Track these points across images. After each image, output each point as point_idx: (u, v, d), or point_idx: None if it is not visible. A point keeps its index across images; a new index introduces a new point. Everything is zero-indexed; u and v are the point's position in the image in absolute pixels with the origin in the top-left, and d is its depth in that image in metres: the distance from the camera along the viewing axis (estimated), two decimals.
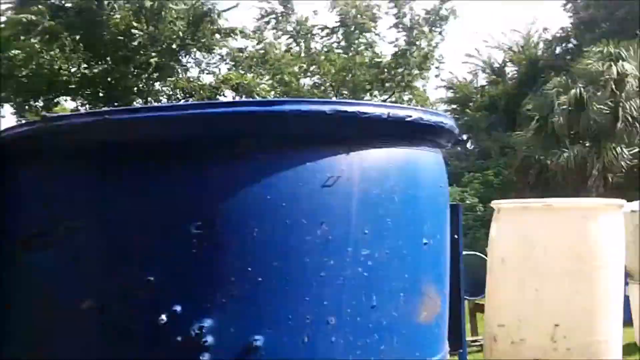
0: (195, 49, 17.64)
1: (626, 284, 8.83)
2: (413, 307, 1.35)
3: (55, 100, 16.76)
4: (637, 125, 16.92)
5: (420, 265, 1.40)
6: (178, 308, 1.16)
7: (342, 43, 21.89)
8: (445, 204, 1.58)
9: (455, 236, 1.72)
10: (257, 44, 20.16)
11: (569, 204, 3.52)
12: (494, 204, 3.73)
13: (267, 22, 21.11)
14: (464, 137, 24.73)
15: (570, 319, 3.37)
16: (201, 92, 17.11)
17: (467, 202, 18.09)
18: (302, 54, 21.39)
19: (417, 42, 21.03)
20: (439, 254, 1.49)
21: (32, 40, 14.96)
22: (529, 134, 18.05)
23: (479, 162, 22.02)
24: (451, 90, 26.22)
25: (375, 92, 22.50)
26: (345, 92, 22.77)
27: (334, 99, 23.13)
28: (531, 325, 3.43)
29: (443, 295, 1.49)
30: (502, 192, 16.97)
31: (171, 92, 17.99)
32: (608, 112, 16.90)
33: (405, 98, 23.77)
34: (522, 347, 3.44)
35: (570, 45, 24.21)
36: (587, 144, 17.87)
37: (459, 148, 24.23)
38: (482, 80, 26.51)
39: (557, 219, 3.42)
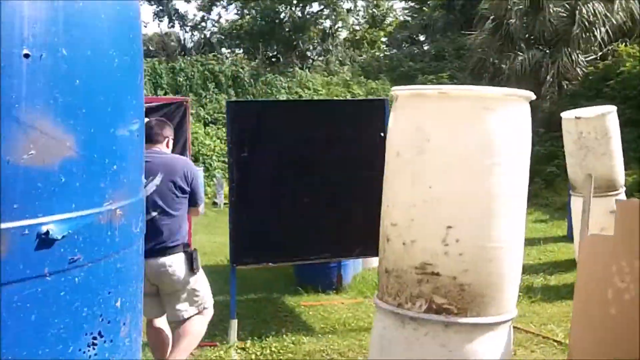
0: None
1: (568, 195, 8.70)
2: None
3: None
4: (594, 30, 16.49)
5: None
6: None
7: None
8: None
9: None
10: None
11: (466, 92, 3.06)
12: (393, 90, 3.27)
13: None
14: (420, 37, 24.06)
15: (464, 221, 2.99)
16: None
17: None
18: None
19: None
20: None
21: None
22: (484, 36, 17.53)
23: (434, 63, 21.50)
24: None
25: None
26: None
27: None
28: (423, 225, 3.06)
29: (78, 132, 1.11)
30: None
31: None
32: (565, 15, 16.40)
33: None
34: (413, 249, 3.08)
35: None
36: (542, 48, 17.46)
37: (415, 49, 23.62)
38: None
39: (454, 109, 2.98)
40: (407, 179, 3.14)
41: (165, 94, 18.72)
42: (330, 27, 23.82)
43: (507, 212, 3.05)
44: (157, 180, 3.80)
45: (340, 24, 24.71)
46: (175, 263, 3.85)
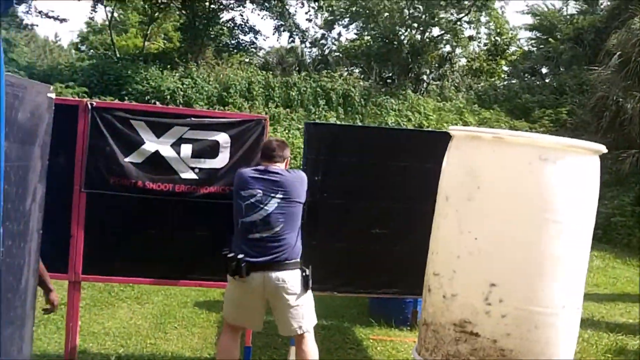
0: None
1: None
2: None
3: None
4: None
5: None
6: None
7: None
8: None
9: None
10: None
11: (523, 139, 2.77)
12: (450, 129, 3.04)
13: None
14: (543, 69, 23.12)
15: (510, 280, 2.71)
16: None
17: None
18: None
19: None
20: None
21: None
22: (609, 72, 16.51)
23: (553, 97, 20.55)
24: (537, 17, 24.33)
25: (451, 10, 21.15)
26: (419, 7, 21.51)
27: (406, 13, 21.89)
28: (465, 279, 2.80)
29: None
30: (574, 133, 15.78)
31: None
32: None
33: (483, 20, 22.28)
34: (453, 304, 2.83)
35: None
36: None
37: (535, 80, 22.70)
38: (572, 8, 24.45)
39: (509, 156, 2.72)
40: (453, 226, 2.90)
41: (277, 107, 19.00)
42: (449, 53, 23.38)
43: (560, 275, 2.74)
44: (279, 196, 3.89)
45: (459, 50, 24.20)
46: (292, 279, 3.89)
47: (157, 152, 5.02)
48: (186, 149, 4.79)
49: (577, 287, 2.83)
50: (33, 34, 30.29)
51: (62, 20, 22.92)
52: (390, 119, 18.91)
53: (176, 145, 4.77)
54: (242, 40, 23.13)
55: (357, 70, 23.14)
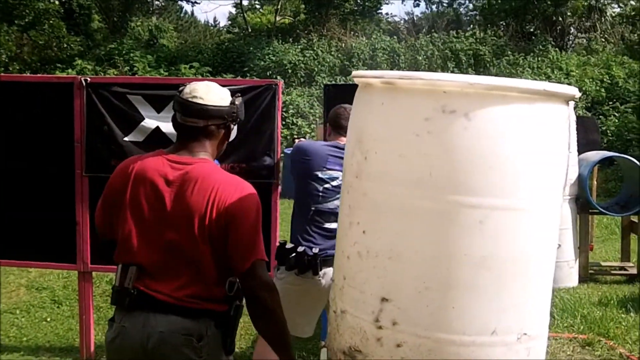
0: None
1: None
2: None
3: None
4: None
5: None
6: None
7: None
8: None
9: None
10: None
11: (423, 81, 1.80)
12: (353, 75, 2.15)
13: None
14: None
15: (407, 294, 1.83)
16: None
17: None
18: None
19: None
20: None
21: None
22: None
23: None
24: None
25: None
26: None
27: None
28: (354, 290, 1.95)
29: None
30: None
31: None
32: None
33: None
34: (343, 324, 1.99)
35: None
36: None
37: None
38: None
39: (401, 110, 1.80)
40: (344, 214, 2.05)
41: None
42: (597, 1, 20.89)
43: (485, 285, 1.80)
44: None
45: None
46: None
47: (157, 128, 4.56)
48: None
49: (519, 303, 1.86)
50: (194, 19, 31.50)
51: None
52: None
53: None
54: (367, 6, 22.22)
55: (492, 28, 21.39)
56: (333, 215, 3.22)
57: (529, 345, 1.88)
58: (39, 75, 12.26)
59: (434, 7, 23.92)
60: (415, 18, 23.76)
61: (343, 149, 3.20)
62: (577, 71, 17.67)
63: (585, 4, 20.50)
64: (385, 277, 1.86)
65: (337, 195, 3.19)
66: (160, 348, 2.14)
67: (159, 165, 2.24)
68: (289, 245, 3.25)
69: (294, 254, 3.17)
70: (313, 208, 3.28)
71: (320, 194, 3.27)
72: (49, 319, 5.61)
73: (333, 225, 3.21)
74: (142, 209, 2.22)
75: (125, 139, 4.50)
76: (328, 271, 3.16)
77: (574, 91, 1.89)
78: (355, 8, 21.96)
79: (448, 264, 1.79)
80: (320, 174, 3.27)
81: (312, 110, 16.32)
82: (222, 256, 2.18)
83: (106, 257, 4.20)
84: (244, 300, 2.24)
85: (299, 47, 19.16)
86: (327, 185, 3.28)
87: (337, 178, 3.23)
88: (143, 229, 2.22)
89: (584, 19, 20.86)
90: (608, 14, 21.22)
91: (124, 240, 2.25)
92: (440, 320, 1.80)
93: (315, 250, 3.18)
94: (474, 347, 1.81)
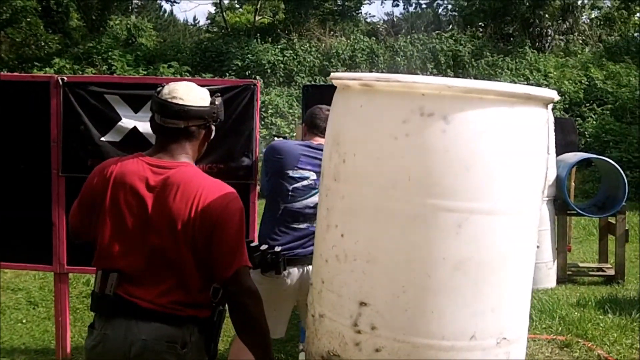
0: None
1: None
2: None
3: None
4: None
5: None
6: None
7: None
8: None
9: None
10: None
11: (401, 84, 1.79)
12: (332, 76, 2.15)
13: None
14: None
15: (384, 299, 1.81)
16: None
17: None
18: None
19: None
20: None
21: None
22: None
23: None
24: None
25: None
26: None
27: None
28: (332, 294, 1.94)
29: None
30: None
31: None
32: None
33: None
34: (321, 329, 1.98)
35: None
36: None
37: None
38: None
39: (379, 112, 1.79)
40: (322, 216, 2.03)
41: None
42: (574, 2, 21.06)
43: (463, 288, 1.80)
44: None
45: None
46: None
47: (135, 128, 4.50)
48: None
49: (498, 307, 1.86)
50: (173, 18, 31.27)
51: None
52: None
53: None
54: (346, 6, 22.22)
55: (470, 29, 21.49)
56: (301, 215, 3.23)
57: (508, 349, 1.87)
58: (15, 74, 12.07)
59: (411, 8, 23.99)
60: (395, 19, 23.80)
61: (316, 148, 3.20)
62: (555, 73, 17.82)
63: (559, 4, 20.66)
64: (364, 280, 1.84)
65: (306, 195, 3.21)
66: (143, 356, 2.10)
67: (139, 170, 2.19)
68: (253, 244, 3.22)
69: (258, 253, 3.15)
70: (282, 207, 3.25)
71: (290, 193, 3.24)
72: (24, 321, 5.53)
73: (301, 225, 3.23)
74: (123, 214, 2.17)
75: (102, 139, 4.43)
76: (293, 271, 3.21)
77: (553, 94, 1.89)
78: (335, 8, 21.95)
79: (426, 268, 1.78)
80: (291, 173, 3.24)
81: (291, 110, 16.27)
82: (205, 262, 2.14)
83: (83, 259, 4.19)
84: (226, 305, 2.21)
85: (279, 47, 19.10)
86: (296, 185, 3.26)
87: (307, 178, 3.22)
88: (124, 235, 2.17)
89: (560, 21, 21.03)
90: (584, 16, 21.43)
91: (104, 245, 2.20)
92: (419, 325, 1.79)
93: (278, 249, 3.15)
94: (453, 351, 1.80)
